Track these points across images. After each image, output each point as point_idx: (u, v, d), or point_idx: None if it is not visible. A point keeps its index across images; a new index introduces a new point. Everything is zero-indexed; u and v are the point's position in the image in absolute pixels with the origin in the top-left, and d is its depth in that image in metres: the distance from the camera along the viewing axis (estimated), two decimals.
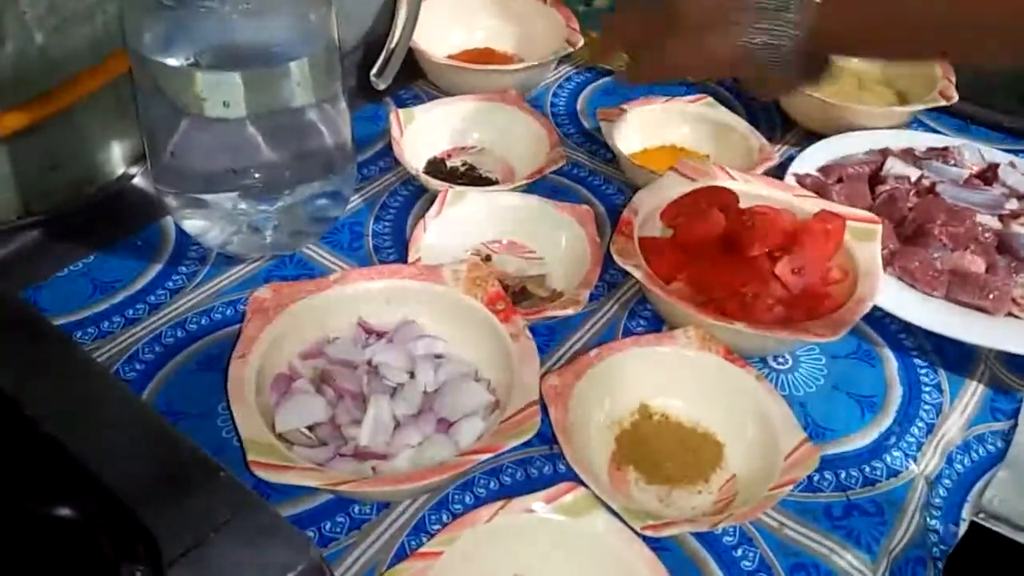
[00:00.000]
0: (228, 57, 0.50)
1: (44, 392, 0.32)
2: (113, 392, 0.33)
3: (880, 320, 0.55)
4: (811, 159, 0.63)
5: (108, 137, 0.60)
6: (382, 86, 0.59)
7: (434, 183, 0.59)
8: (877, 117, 0.69)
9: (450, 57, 0.73)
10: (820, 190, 0.60)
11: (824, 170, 0.63)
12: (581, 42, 0.71)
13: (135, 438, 0.32)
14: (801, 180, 0.61)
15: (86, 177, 0.60)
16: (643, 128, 0.67)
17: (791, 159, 0.64)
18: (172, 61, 0.49)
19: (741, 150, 0.65)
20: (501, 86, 0.67)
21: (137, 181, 0.60)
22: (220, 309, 0.53)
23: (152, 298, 0.53)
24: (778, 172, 0.63)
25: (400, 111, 0.64)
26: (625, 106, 0.66)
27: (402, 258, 0.57)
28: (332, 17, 0.52)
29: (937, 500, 0.46)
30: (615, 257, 0.52)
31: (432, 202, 0.57)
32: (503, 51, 0.77)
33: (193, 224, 0.55)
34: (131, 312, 0.52)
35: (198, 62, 0.49)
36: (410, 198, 0.62)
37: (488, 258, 0.57)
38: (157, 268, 0.55)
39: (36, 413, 0.30)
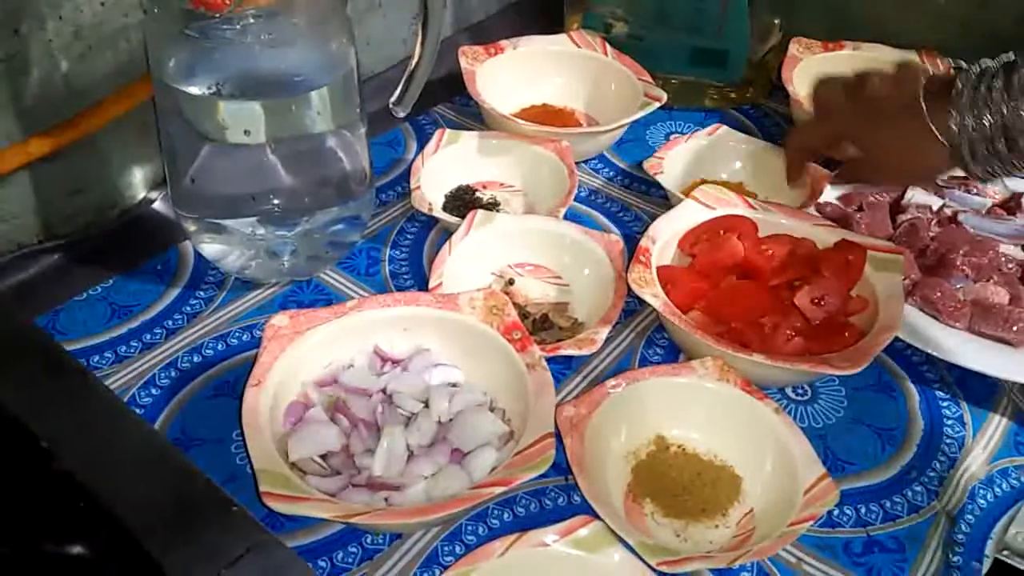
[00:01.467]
0: (249, 86, 0.50)
1: (60, 425, 0.32)
2: (128, 424, 0.33)
3: (902, 352, 0.54)
4: (831, 188, 0.63)
5: (130, 162, 0.61)
6: (402, 114, 0.59)
7: (445, 216, 0.59)
8: None
9: (517, 115, 0.71)
10: (842, 219, 0.59)
11: (845, 198, 0.62)
12: (664, 96, 0.68)
13: (149, 472, 0.32)
14: (821, 208, 0.61)
15: (108, 201, 0.60)
16: (689, 167, 0.66)
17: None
18: (194, 89, 0.50)
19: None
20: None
21: (157, 206, 0.61)
22: (237, 334, 0.53)
23: (169, 323, 0.54)
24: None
25: (448, 131, 0.64)
26: (662, 153, 0.65)
27: (419, 284, 0.58)
28: (352, 47, 0.53)
29: (960, 536, 0.45)
30: (632, 286, 0.51)
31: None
32: (570, 109, 0.74)
33: (212, 249, 0.56)
34: (148, 337, 0.53)
35: (220, 91, 0.50)
36: (428, 223, 0.62)
37: (512, 281, 0.57)
38: (175, 292, 0.56)
39: (52, 446, 0.30)
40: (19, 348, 0.38)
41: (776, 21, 0.76)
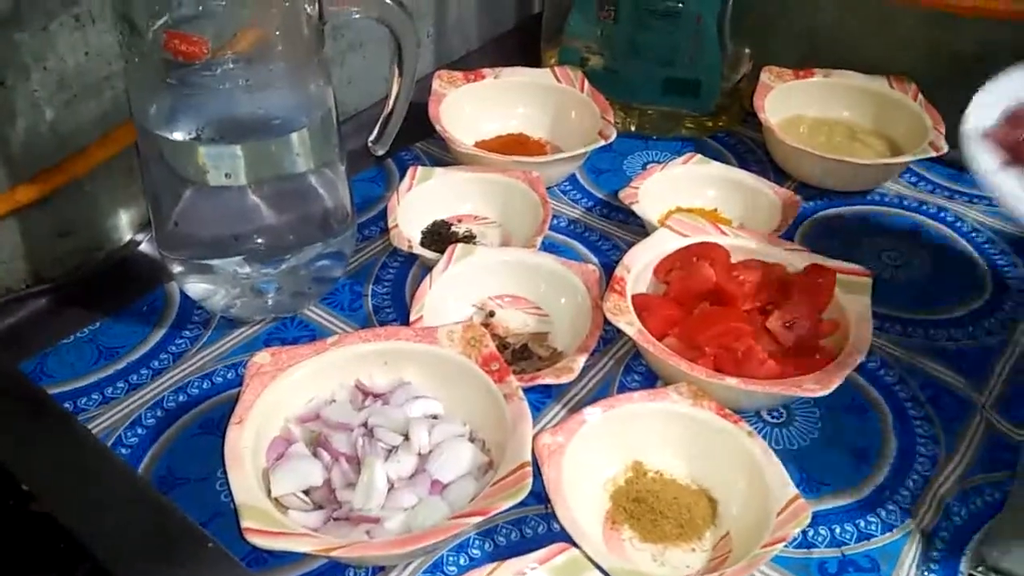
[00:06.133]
0: (229, 130, 0.52)
1: (41, 467, 0.33)
2: (107, 465, 0.34)
3: (875, 372, 0.55)
4: (987, 109, 0.50)
5: (115, 205, 0.62)
6: (380, 152, 0.60)
7: (424, 252, 0.60)
8: (870, 168, 0.70)
9: (482, 143, 0.73)
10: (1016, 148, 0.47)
11: (1013, 119, 0.49)
12: (614, 135, 0.70)
13: (127, 511, 0.33)
14: (993, 134, 0.48)
15: (95, 244, 0.62)
16: (664, 195, 0.67)
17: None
18: (176, 135, 0.51)
19: (764, 205, 0.66)
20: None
21: (143, 248, 0.62)
22: (221, 373, 0.54)
23: (155, 363, 0.55)
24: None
25: (420, 169, 0.66)
26: (637, 183, 0.66)
27: (402, 318, 0.59)
28: (330, 88, 0.54)
29: (935, 554, 0.46)
30: (607, 315, 0.53)
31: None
32: (537, 138, 0.76)
33: (197, 288, 0.57)
34: (134, 377, 0.54)
35: (200, 135, 0.51)
36: (410, 258, 0.64)
37: (492, 313, 0.58)
38: (161, 333, 0.57)
39: (33, 487, 0.31)
40: (1, 392, 0.39)
41: (747, 50, 0.78)
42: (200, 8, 0.48)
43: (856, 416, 0.53)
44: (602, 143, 0.69)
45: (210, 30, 0.49)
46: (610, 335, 0.57)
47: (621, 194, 0.65)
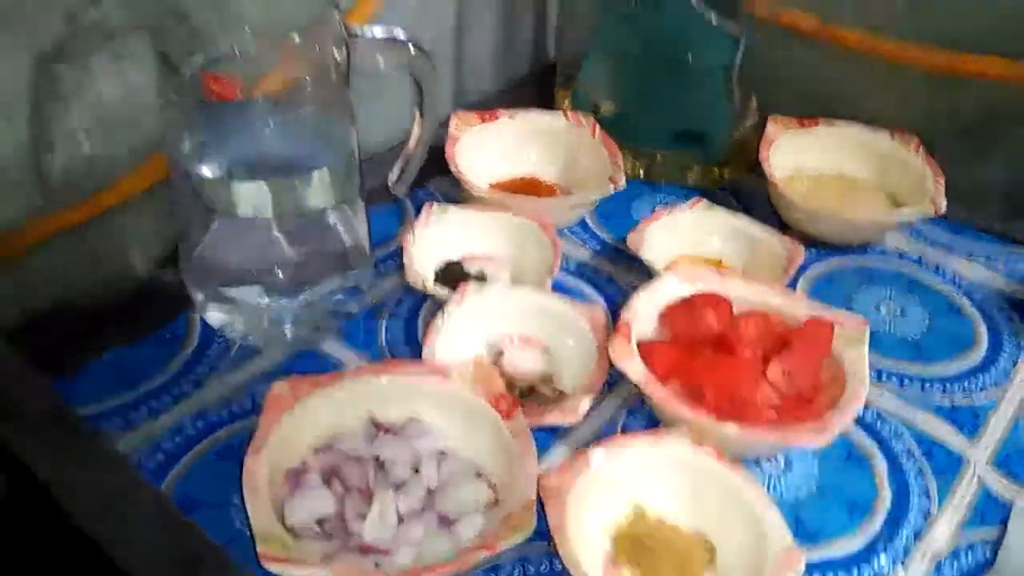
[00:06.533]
0: (258, 167, 0.54)
1: (75, 485, 0.35)
2: (136, 485, 0.36)
3: (871, 424, 0.57)
4: None
5: (144, 236, 0.64)
6: (400, 193, 0.63)
7: (437, 290, 0.63)
8: (870, 224, 0.72)
9: (496, 185, 0.75)
10: None
11: None
12: (624, 182, 0.72)
13: (155, 529, 0.35)
14: None
15: (123, 273, 0.64)
16: (670, 241, 0.69)
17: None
18: (207, 171, 0.54)
19: (767, 254, 0.68)
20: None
21: (168, 277, 0.64)
22: (239, 401, 0.56)
23: (176, 390, 0.56)
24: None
25: (436, 205, 0.68)
26: (643, 228, 0.68)
27: (414, 353, 0.61)
28: (354, 128, 0.57)
29: None
30: (612, 359, 0.55)
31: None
32: (549, 181, 0.78)
33: (218, 318, 0.59)
34: (155, 403, 0.55)
35: (231, 172, 0.54)
36: (423, 294, 0.66)
37: (501, 352, 0.60)
38: (182, 360, 0.59)
39: (69, 505, 0.33)
40: (39, 412, 0.41)
41: (753, 100, 0.81)
42: (234, 50, 0.51)
43: (852, 467, 0.55)
44: (613, 189, 0.71)
45: (243, 71, 0.52)
46: (615, 377, 0.59)
47: (628, 239, 0.68)
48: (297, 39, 0.51)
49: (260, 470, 0.46)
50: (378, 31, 0.56)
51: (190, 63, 0.50)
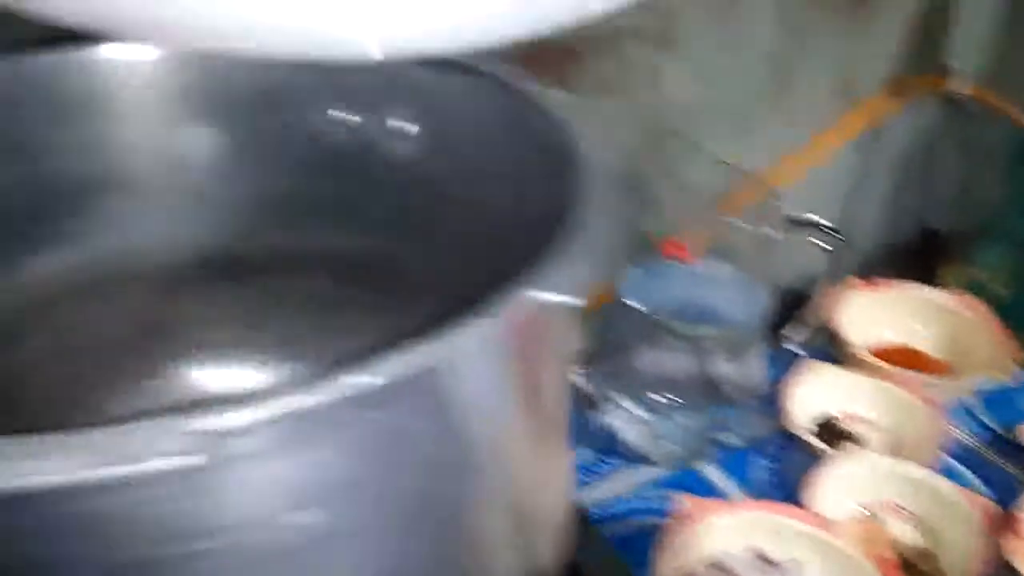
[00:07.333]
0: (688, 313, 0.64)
1: None
2: None
3: None
4: None
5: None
6: (791, 345, 0.69)
7: (816, 442, 0.66)
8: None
9: (875, 350, 0.77)
10: None
11: None
12: (1013, 372, 0.71)
13: None
14: None
15: None
16: None
17: None
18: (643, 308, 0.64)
19: None
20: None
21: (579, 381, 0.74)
22: (626, 501, 0.64)
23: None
24: None
25: (815, 362, 0.72)
26: None
27: (785, 496, 0.64)
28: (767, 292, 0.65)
29: None
30: (1007, 556, 0.54)
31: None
32: (931, 355, 0.78)
33: (611, 420, 0.68)
34: None
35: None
36: (795, 440, 0.69)
37: (875, 516, 0.62)
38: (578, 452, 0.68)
39: None
40: None
41: None
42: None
43: None
44: (1002, 379, 0.71)
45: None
46: (999, 573, 0.58)
47: (1018, 431, 0.66)
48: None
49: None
50: (808, 215, 0.64)
51: None
